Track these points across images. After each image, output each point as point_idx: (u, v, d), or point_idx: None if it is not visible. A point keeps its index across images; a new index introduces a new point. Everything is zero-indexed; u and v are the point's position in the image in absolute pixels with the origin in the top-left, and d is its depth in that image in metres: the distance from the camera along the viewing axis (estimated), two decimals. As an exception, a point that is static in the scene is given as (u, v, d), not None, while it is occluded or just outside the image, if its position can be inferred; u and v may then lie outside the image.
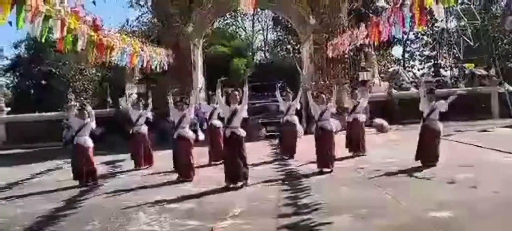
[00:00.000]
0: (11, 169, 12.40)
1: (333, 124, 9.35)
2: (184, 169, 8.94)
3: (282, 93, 11.69)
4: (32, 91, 32.99)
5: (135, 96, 19.55)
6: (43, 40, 7.78)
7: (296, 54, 31.06)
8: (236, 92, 8.18)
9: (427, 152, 8.88)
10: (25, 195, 8.54)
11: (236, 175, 7.90)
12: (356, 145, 10.91)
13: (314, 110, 9.38)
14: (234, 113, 8.03)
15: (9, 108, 21.37)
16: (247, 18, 39.89)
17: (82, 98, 28.92)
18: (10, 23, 6.76)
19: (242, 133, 8.06)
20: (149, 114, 11.20)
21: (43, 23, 7.26)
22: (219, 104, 8.84)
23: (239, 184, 7.91)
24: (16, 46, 33.92)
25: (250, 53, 39.00)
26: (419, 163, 8.96)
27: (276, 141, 13.04)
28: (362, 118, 11.30)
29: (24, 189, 9.18)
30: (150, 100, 11.33)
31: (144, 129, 10.98)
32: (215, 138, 10.74)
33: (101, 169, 10.92)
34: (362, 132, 11.04)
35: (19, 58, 33.90)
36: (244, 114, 8.30)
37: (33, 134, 18.72)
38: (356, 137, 10.96)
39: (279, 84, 12.22)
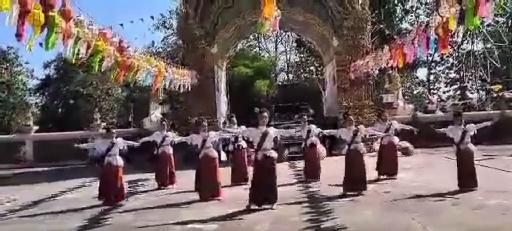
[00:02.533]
0: (38, 187, 12.62)
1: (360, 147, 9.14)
2: (211, 189, 8.88)
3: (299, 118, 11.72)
4: (59, 110, 33.82)
5: (159, 116, 19.81)
6: (74, 61, 8.01)
7: (319, 76, 31.04)
8: (265, 113, 8.03)
9: (469, 177, 8.61)
10: (51, 212, 8.65)
11: (263, 198, 7.74)
12: (389, 168, 10.68)
13: (345, 135, 9.21)
14: (264, 135, 7.83)
15: (37, 127, 21.89)
16: (271, 39, 40.18)
17: (107, 117, 29.48)
18: (40, 44, 7.00)
19: (274, 154, 7.92)
20: (172, 137, 11.27)
21: (73, 45, 7.49)
22: (246, 132, 8.74)
23: (267, 206, 7.74)
24: (46, 66, 34.98)
25: (273, 75, 39.17)
26: (446, 187, 8.73)
27: (300, 163, 12.83)
28: (396, 140, 11.08)
29: (50, 207, 9.29)
30: (176, 137, 11.41)
31: (170, 149, 11.08)
32: (239, 158, 10.86)
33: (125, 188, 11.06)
34: (395, 155, 10.84)
35: (48, 78, 34.87)
36: (277, 135, 8.24)
37: (59, 152, 19.06)
38: (391, 159, 10.73)
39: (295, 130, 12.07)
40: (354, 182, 8.78)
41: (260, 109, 8.39)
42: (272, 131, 7.98)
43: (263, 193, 7.73)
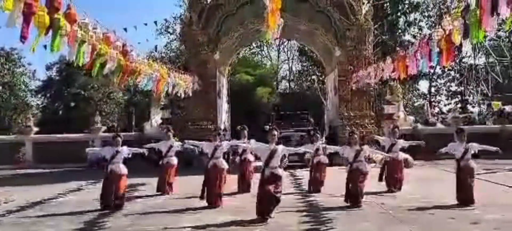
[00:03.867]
0: (36, 188, 12.60)
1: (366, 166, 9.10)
2: (214, 197, 8.89)
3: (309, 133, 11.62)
4: (60, 112, 33.87)
5: (159, 121, 19.85)
6: (79, 64, 8.03)
7: (320, 85, 31.11)
8: (275, 132, 7.97)
9: (466, 194, 8.57)
10: (48, 215, 8.63)
11: (267, 211, 7.66)
12: (393, 183, 10.59)
13: (347, 153, 9.18)
14: (273, 153, 7.78)
15: (37, 129, 21.90)
16: (273, 48, 40.31)
17: (108, 121, 29.50)
18: (45, 46, 7.03)
19: (281, 173, 7.84)
20: (180, 147, 11.22)
21: (78, 48, 7.52)
22: (255, 147, 8.69)
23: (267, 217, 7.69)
24: (48, 68, 35.10)
25: (275, 83, 39.23)
26: (444, 200, 8.74)
27: (299, 172, 12.74)
28: (401, 156, 10.95)
29: (47, 209, 9.28)
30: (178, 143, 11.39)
31: (174, 160, 11.04)
32: (244, 171, 10.97)
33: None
34: (400, 170, 10.75)
35: (50, 80, 34.97)
36: (285, 153, 8.09)
37: (59, 154, 19.07)
38: (394, 176, 10.62)
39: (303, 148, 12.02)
40: (350, 198, 8.78)
41: (270, 126, 8.32)
42: (280, 149, 7.91)
43: (267, 207, 7.64)
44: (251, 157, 11.06)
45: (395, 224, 7.32)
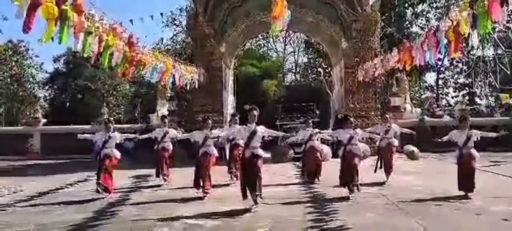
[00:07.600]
0: (44, 179, 12.76)
1: (362, 148, 9.19)
2: (201, 179, 9.07)
3: (304, 122, 11.84)
4: (67, 104, 34.09)
5: (165, 113, 19.91)
6: (85, 55, 8.11)
7: (326, 77, 31.01)
8: (255, 112, 8.00)
9: (467, 182, 8.57)
10: (55, 203, 8.76)
11: (248, 192, 7.76)
12: (386, 170, 10.74)
13: (342, 136, 9.22)
14: (253, 134, 7.88)
15: (45, 120, 22.08)
16: (279, 40, 40.19)
17: (114, 113, 29.65)
18: (52, 38, 7.08)
19: (261, 153, 7.93)
20: (173, 134, 11.42)
21: (85, 39, 7.56)
22: (236, 132, 8.95)
23: (252, 205, 7.76)
24: (55, 60, 35.28)
25: (281, 75, 39.13)
26: (449, 192, 8.71)
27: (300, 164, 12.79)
28: (395, 142, 11.12)
29: (55, 198, 9.40)
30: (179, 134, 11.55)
31: (169, 145, 11.24)
32: (235, 154, 11.07)
33: (128, 183, 11.24)
34: (392, 157, 10.86)
35: (57, 72, 35.15)
36: (265, 135, 8.19)
37: (66, 145, 19.22)
38: (386, 161, 10.80)
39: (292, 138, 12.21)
40: (346, 182, 8.80)
41: (251, 106, 8.29)
42: (260, 130, 7.98)
43: (248, 188, 7.75)
44: (241, 142, 11.07)
45: (400, 215, 7.32)
